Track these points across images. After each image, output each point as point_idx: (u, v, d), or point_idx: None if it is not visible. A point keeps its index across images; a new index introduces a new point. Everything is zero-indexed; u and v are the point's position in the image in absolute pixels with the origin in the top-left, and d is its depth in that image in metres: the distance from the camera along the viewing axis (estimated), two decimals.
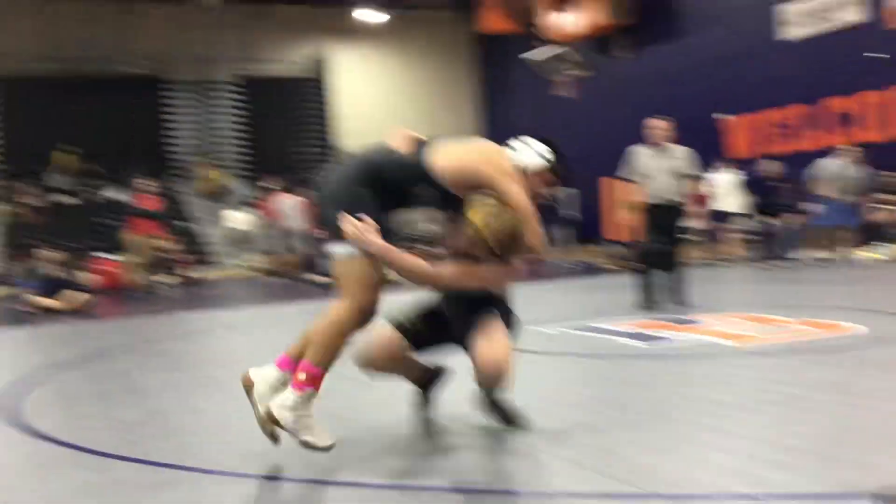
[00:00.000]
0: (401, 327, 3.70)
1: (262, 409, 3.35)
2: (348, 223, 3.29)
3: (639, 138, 8.30)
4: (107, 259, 16.30)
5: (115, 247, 17.06)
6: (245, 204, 21.62)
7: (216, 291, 15.15)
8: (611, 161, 9.23)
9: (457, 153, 3.44)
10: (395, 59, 30.03)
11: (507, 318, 3.61)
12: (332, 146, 28.33)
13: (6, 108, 25.00)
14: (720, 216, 14.89)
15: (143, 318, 10.74)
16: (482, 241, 3.34)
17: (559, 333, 6.80)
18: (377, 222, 3.33)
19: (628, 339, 6.27)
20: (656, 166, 7.94)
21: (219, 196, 24.15)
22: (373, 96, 29.63)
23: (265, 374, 3.44)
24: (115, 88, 25.64)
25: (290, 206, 16.29)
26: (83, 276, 15.31)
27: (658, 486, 2.87)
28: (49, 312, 11.33)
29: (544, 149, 3.58)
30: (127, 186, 22.07)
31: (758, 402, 4.12)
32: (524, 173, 3.50)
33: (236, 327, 8.76)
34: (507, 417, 3.64)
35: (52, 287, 11.77)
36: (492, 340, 3.45)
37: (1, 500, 3.12)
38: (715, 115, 17.65)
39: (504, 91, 28.87)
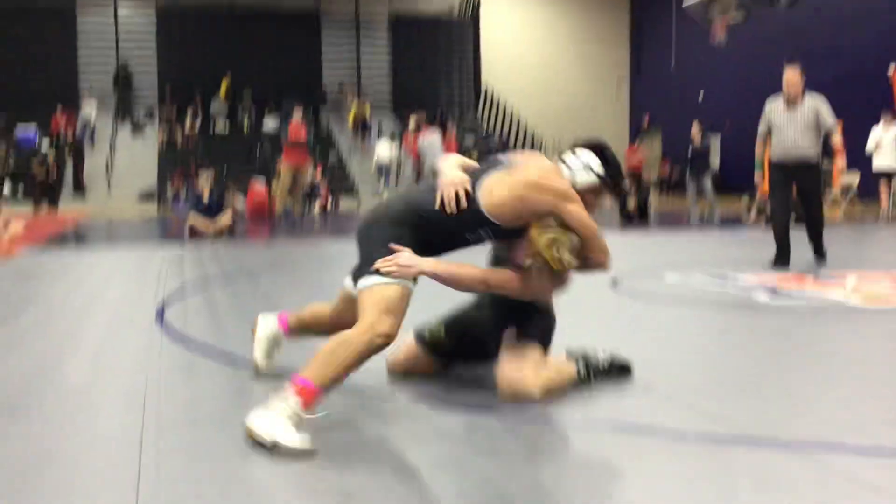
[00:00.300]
0: (426, 343, 3.65)
1: (256, 355, 3.72)
2: (385, 263, 3.11)
3: None
4: (257, 185, 16.98)
5: (266, 173, 17.74)
6: (390, 138, 21.98)
7: (358, 221, 15.58)
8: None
9: (506, 188, 3.20)
10: (548, 2, 29.64)
11: (543, 329, 3.49)
12: (478, 85, 28.38)
13: (167, 37, 26.08)
14: (880, 173, 14.28)
15: (287, 243, 11.20)
16: (546, 264, 3.21)
17: (689, 282, 6.77)
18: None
19: (758, 292, 6.19)
20: (787, 120, 7.59)
21: (365, 129, 24.63)
22: (522, 39, 29.42)
23: (268, 324, 3.75)
24: (273, 22, 26.35)
25: (433, 143, 16.48)
26: (234, 200, 16.01)
27: (766, 431, 2.90)
28: (200, 232, 11.97)
29: (596, 162, 3.37)
30: (279, 117, 22.83)
31: (881, 362, 4.05)
32: (576, 190, 3.29)
33: None
34: (614, 372, 3.66)
35: (204, 209, 12.38)
36: (515, 366, 3.34)
37: (147, 398, 3.42)
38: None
39: (655, 36, 28.15)
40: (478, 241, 3.34)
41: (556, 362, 3.47)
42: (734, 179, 19.00)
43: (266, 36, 25.95)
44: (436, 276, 3.21)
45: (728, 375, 3.82)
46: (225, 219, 12.33)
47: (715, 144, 17.33)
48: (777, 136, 7.65)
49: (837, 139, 7.69)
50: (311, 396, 2.85)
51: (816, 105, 7.59)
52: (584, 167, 3.35)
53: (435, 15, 27.86)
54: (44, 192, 19.80)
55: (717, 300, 5.91)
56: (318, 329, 3.68)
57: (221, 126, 24.83)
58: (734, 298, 5.99)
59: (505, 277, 3.30)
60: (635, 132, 29.53)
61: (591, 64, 29.78)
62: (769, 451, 2.74)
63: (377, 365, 3.58)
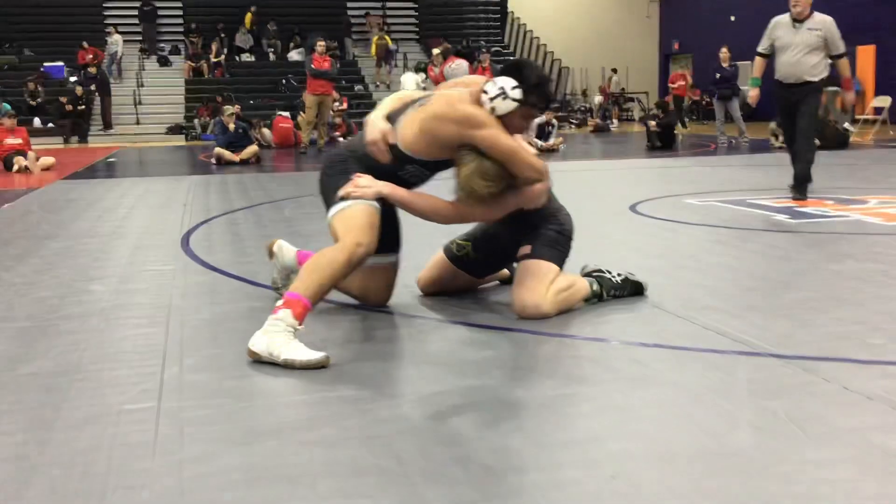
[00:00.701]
0: (455, 257, 3.75)
1: (276, 279, 3.80)
2: (345, 188, 3.28)
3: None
4: (282, 116, 17.02)
5: (291, 105, 17.75)
6: (415, 68, 21.85)
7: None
8: None
9: (416, 125, 3.30)
10: None
11: (557, 244, 3.52)
12: (504, 13, 28.02)
13: None
14: None
15: (312, 174, 11.28)
16: (476, 196, 3.26)
17: (710, 205, 6.79)
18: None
19: (778, 214, 6.21)
20: (790, 40, 7.17)
21: (390, 59, 24.45)
22: None
23: (287, 255, 3.76)
24: None
25: (457, 71, 16.35)
26: (260, 131, 16.04)
27: (769, 346, 2.98)
28: (227, 163, 12.11)
29: (510, 86, 3.25)
30: (304, 51, 22.73)
31: (892, 280, 4.09)
32: (499, 117, 3.26)
33: None
34: (629, 291, 3.73)
35: (230, 140, 12.51)
36: (529, 284, 3.42)
37: (171, 317, 3.55)
38: None
39: None
40: (414, 176, 3.44)
41: (569, 279, 3.55)
42: (765, 106, 18.76)
43: None
44: (392, 199, 3.34)
45: (737, 293, 3.88)
46: (251, 150, 12.53)
47: (745, 71, 17.05)
48: (780, 55, 7.28)
49: (845, 67, 7.32)
50: (302, 308, 2.97)
51: (824, 27, 7.12)
52: (499, 95, 3.26)
53: None
54: (73, 126, 19.97)
55: (734, 222, 5.93)
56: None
57: (247, 58, 24.75)
58: (751, 220, 6.01)
59: (459, 208, 3.36)
60: (664, 60, 29.11)
61: None
62: (769, 363, 2.82)
63: (404, 285, 3.68)
